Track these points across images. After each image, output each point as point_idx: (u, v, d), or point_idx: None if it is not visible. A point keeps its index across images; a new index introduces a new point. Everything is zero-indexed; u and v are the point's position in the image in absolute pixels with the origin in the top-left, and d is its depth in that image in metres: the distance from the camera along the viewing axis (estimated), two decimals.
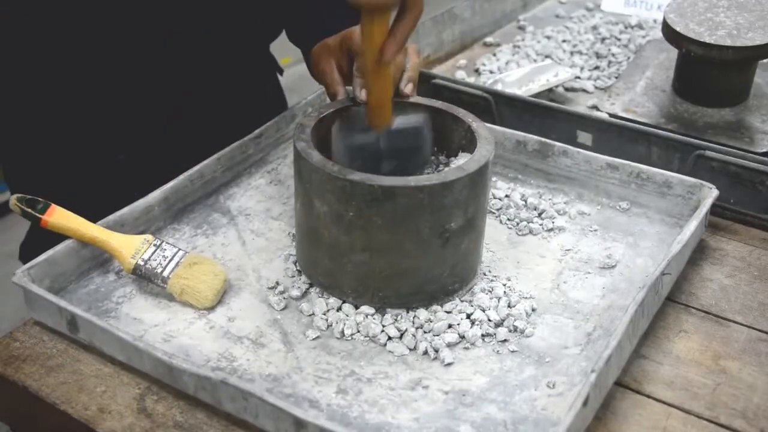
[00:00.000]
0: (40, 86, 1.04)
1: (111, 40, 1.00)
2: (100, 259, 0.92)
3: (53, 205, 0.88)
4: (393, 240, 0.82)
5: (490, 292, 0.88)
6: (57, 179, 1.10)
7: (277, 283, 0.90)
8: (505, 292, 0.89)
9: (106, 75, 1.03)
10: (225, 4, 1.07)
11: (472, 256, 0.88)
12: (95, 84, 1.04)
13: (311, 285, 0.89)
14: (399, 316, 0.85)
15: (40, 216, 0.87)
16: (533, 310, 0.87)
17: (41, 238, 0.90)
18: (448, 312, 0.86)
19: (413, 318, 0.85)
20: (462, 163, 0.84)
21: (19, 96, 1.07)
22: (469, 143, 0.90)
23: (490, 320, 0.85)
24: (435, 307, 0.86)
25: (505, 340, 0.83)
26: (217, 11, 1.07)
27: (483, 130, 0.90)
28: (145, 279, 0.87)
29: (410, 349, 0.82)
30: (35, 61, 1.02)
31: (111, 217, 0.93)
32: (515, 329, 0.84)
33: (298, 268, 0.92)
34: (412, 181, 0.80)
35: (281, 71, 1.28)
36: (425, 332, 0.83)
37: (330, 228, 0.83)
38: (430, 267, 0.84)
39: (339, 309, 0.86)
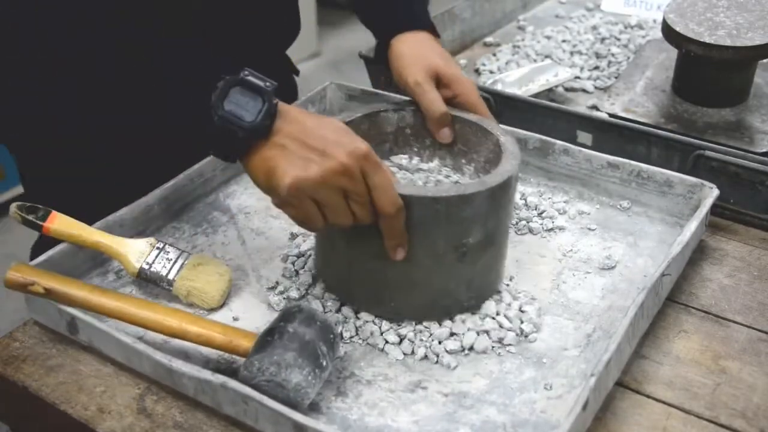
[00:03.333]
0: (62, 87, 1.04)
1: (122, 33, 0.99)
2: (99, 259, 0.92)
3: (54, 211, 0.88)
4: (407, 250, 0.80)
5: (500, 301, 0.87)
6: (61, 177, 1.10)
7: (277, 284, 0.90)
8: (514, 297, 0.88)
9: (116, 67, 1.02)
10: (246, 8, 1.07)
11: (491, 273, 0.86)
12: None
13: (311, 285, 0.89)
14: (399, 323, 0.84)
15: (41, 223, 0.87)
16: (538, 316, 0.86)
17: (52, 239, 0.90)
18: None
19: (414, 324, 0.84)
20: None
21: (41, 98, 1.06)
22: (496, 157, 0.87)
23: (502, 327, 0.83)
24: (447, 322, 0.84)
25: (507, 343, 0.83)
26: (237, 15, 1.06)
27: (511, 145, 0.87)
28: (151, 282, 0.87)
29: (410, 352, 0.82)
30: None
31: (111, 217, 0.93)
32: (521, 332, 0.83)
33: (296, 268, 0.92)
34: (429, 191, 0.78)
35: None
36: (423, 339, 0.82)
37: (344, 234, 0.82)
38: (445, 281, 0.82)
39: (338, 310, 0.86)
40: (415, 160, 0.95)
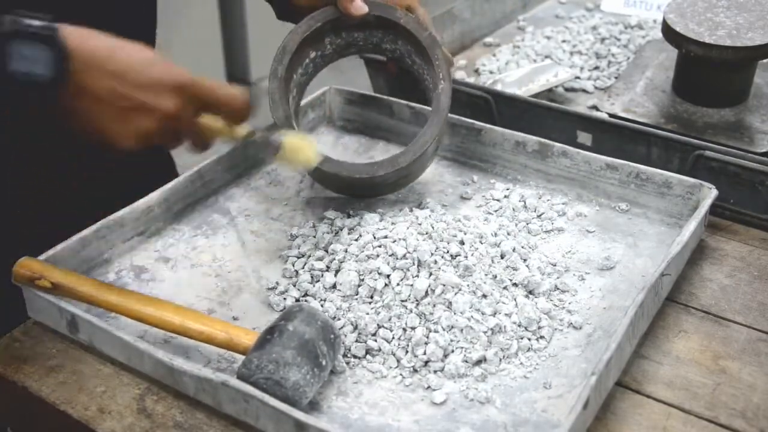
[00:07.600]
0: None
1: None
2: (99, 259, 0.92)
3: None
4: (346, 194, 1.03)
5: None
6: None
7: (277, 284, 0.90)
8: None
9: None
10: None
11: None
12: None
13: (311, 284, 0.89)
14: (401, 336, 0.83)
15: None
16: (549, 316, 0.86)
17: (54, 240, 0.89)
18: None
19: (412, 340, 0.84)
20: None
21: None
22: (430, 104, 0.99)
23: (521, 338, 0.83)
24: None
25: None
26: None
27: (444, 98, 0.98)
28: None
29: (411, 352, 0.82)
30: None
31: (111, 217, 0.93)
32: (538, 336, 0.83)
33: (296, 268, 0.92)
34: (345, 169, 0.96)
35: None
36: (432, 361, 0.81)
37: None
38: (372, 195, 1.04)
39: (336, 314, 0.86)
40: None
